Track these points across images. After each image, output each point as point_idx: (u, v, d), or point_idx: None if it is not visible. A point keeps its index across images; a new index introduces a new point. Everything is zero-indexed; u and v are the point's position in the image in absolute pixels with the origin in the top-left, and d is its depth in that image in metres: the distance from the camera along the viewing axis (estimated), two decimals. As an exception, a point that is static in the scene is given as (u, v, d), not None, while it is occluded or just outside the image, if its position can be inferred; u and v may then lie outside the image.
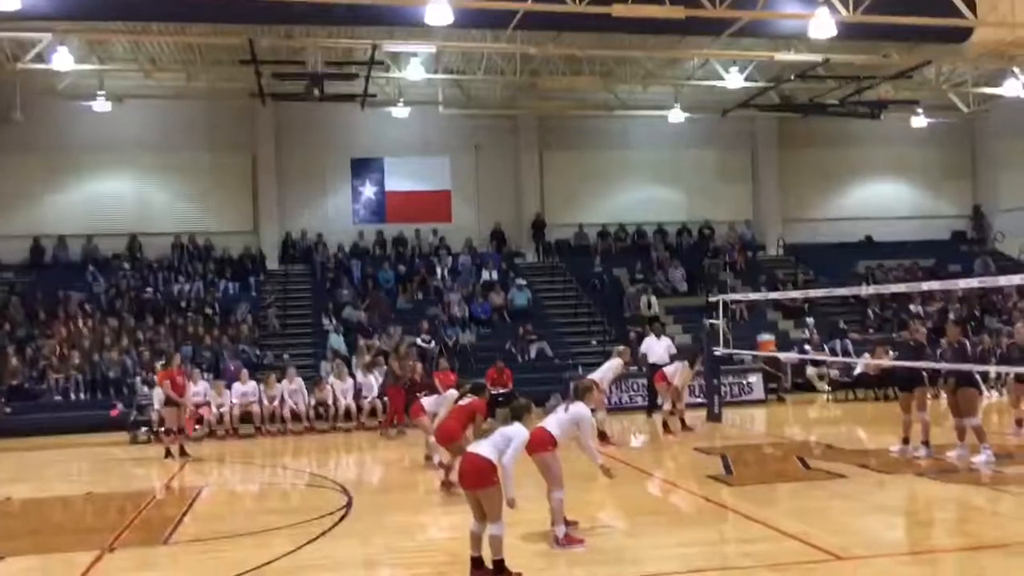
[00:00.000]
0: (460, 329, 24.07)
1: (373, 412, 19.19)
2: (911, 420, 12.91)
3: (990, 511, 9.82)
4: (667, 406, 16.72)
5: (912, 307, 26.02)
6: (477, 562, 7.53)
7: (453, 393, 13.55)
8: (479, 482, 7.41)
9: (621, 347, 16.92)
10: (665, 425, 16.55)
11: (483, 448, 7.56)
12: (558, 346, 23.84)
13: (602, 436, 14.61)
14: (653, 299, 25.93)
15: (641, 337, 23.70)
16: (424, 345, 22.72)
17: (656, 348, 19.10)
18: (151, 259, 26.69)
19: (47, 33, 20.91)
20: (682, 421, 16.62)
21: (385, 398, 19.01)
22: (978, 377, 13.96)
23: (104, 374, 21.11)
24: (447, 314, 24.57)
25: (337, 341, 22.55)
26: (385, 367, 20.04)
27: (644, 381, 20.16)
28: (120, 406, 19.69)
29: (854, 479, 11.48)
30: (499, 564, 7.43)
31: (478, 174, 29.41)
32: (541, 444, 8.42)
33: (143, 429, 18.31)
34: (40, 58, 22.27)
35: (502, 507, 7.39)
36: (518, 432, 7.70)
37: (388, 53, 22.98)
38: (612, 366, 15.85)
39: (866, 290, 22.94)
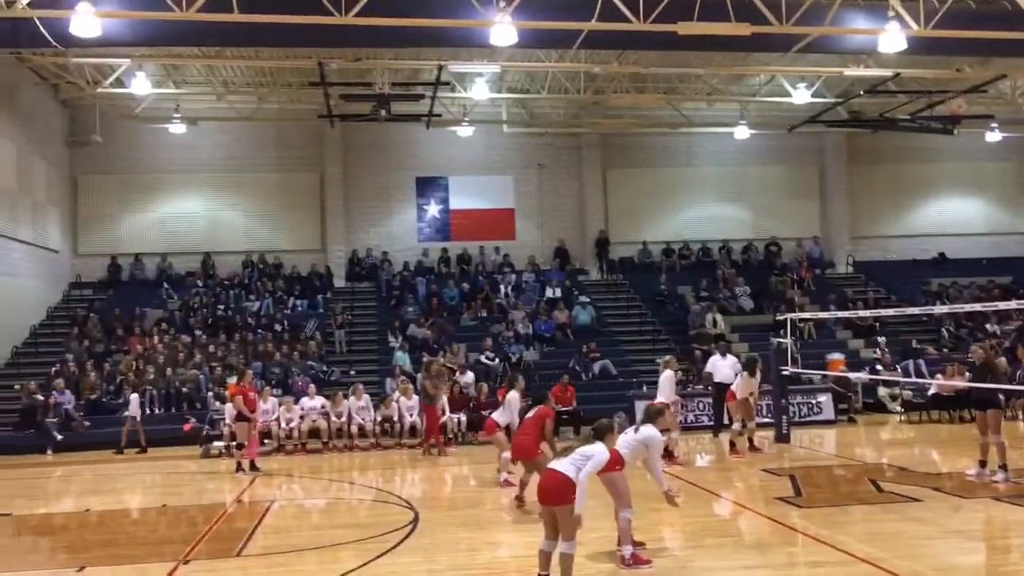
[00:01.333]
0: (524, 346, 24.12)
1: (441, 428, 19.29)
2: (988, 442, 12.57)
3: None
4: (736, 425, 16.48)
5: (988, 326, 25.31)
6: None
7: (515, 395, 13.69)
8: (558, 499, 7.45)
9: (667, 357, 17.00)
10: (732, 445, 16.34)
11: (563, 465, 7.60)
12: (621, 364, 23.72)
13: (669, 455, 14.50)
14: (718, 317, 25.67)
15: (706, 356, 23.50)
16: (488, 362, 22.83)
17: (722, 367, 18.85)
18: (223, 277, 27.35)
19: (126, 59, 21.67)
20: (750, 441, 16.38)
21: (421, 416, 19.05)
22: None
23: (178, 389, 21.63)
24: (511, 331, 24.64)
25: (402, 358, 22.77)
26: (446, 384, 20.19)
27: (709, 400, 19.95)
28: (193, 420, 20.15)
29: (928, 503, 11.20)
30: None
31: (541, 192, 29.53)
32: (609, 464, 8.42)
33: (215, 444, 18.71)
34: (119, 82, 23.13)
35: (577, 526, 7.42)
36: (599, 451, 7.75)
37: (453, 73, 23.27)
38: (667, 378, 15.72)
39: (939, 309, 22.39)
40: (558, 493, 7.47)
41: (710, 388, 19.46)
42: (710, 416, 20.22)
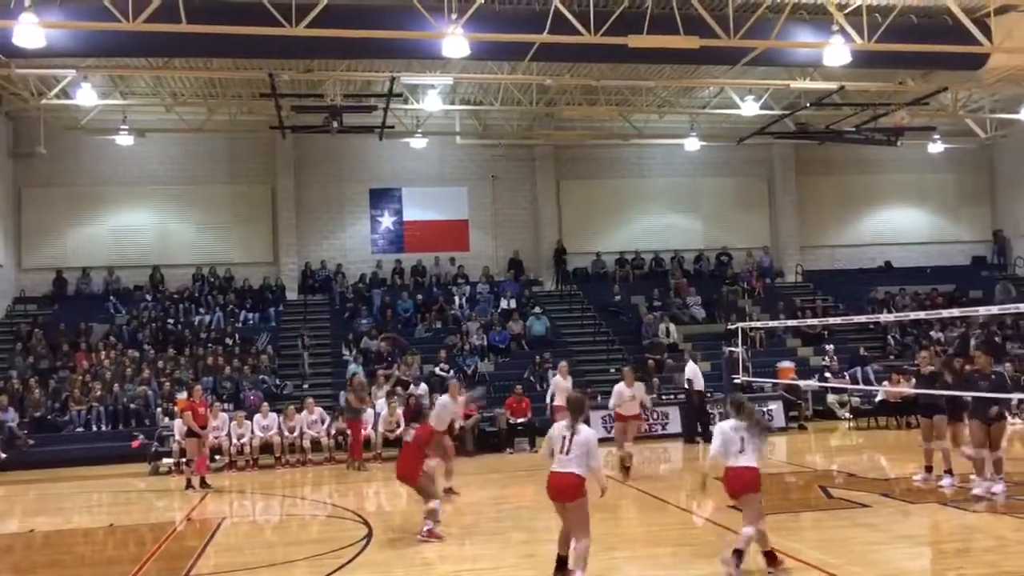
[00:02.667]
0: (479, 358, 24.10)
1: (396, 442, 19.20)
2: (932, 448, 12.84)
3: (1014, 540, 9.71)
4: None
5: (932, 333, 25.86)
6: (562, 562, 8.15)
7: (444, 399, 13.79)
8: (570, 496, 7.97)
9: (626, 368, 16.97)
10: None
11: (568, 466, 7.95)
12: (576, 374, 23.66)
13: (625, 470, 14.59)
14: (671, 327, 25.90)
15: (660, 365, 23.74)
16: (443, 374, 22.76)
17: (700, 374, 19.11)
18: (172, 291, 26.93)
19: (71, 70, 21.29)
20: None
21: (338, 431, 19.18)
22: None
23: (126, 405, 21.24)
24: (465, 343, 24.61)
25: (356, 371, 22.58)
26: (399, 397, 20.13)
27: (667, 410, 20.18)
28: (142, 437, 19.81)
29: (877, 508, 11.39)
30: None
31: (495, 203, 29.58)
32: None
33: (164, 460, 18.40)
34: (64, 94, 22.71)
35: (589, 521, 7.99)
36: (589, 433, 8.14)
37: (406, 85, 23.24)
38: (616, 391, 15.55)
39: (886, 317, 22.85)
40: (569, 491, 7.95)
41: (687, 396, 19.77)
42: (664, 425, 20.41)
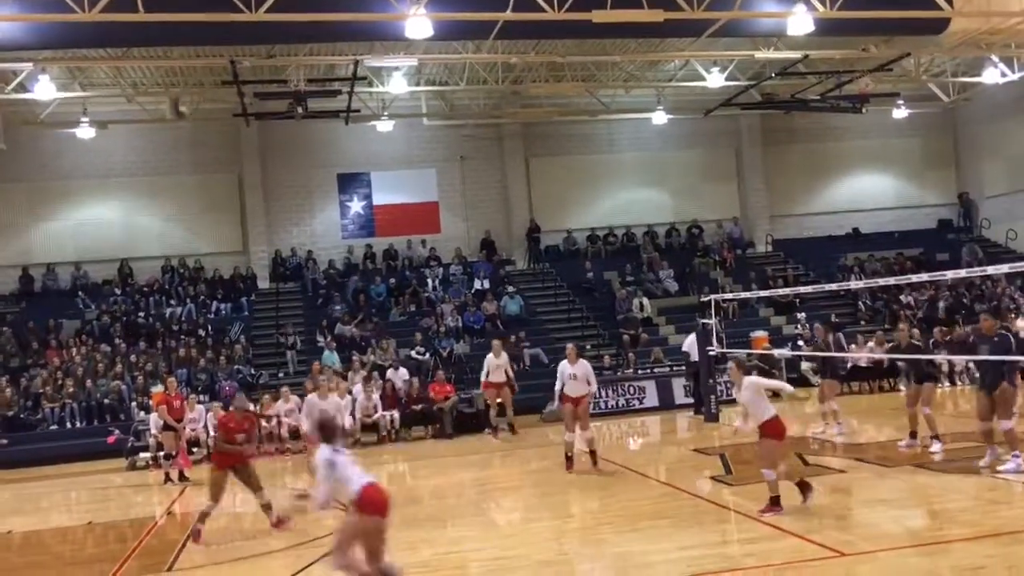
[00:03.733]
0: (454, 340, 24.08)
1: (374, 427, 19.21)
2: (916, 413, 12.94)
3: (989, 499, 9.88)
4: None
5: (902, 298, 26.16)
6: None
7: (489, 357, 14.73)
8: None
9: (569, 345, 14.83)
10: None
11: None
12: (552, 352, 23.82)
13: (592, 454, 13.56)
14: (645, 301, 26.01)
15: (636, 339, 23.84)
16: (419, 357, 22.75)
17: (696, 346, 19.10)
18: (142, 283, 26.63)
19: (27, 63, 20.86)
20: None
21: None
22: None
23: (99, 401, 21.04)
24: (440, 325, 24.58)
25: (331, 358, 22.51)
26: (381, 382, 20.11)
27: (640, 384, 20.23)
28: (117, 432, 19.60)
29: (853, 473, 11.54)
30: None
31: (464, 184, 29.45)
32: None
33: (141, 455, 18.26)
34: (21, 87, 22.24)
35: None
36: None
37: (370, 68, 23.00)
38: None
39: (855, 284, 23.06)
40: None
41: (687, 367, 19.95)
42: (640, 400, 20.50)
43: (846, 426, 15.33)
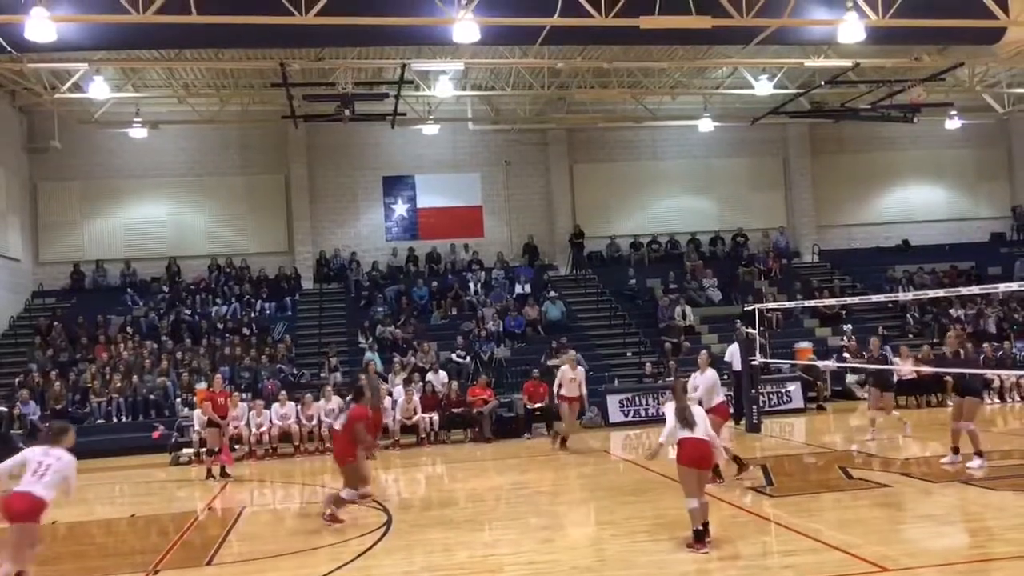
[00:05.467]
0: (495, 343, 24.10)
1: (413, 428, 19.26)
2: (959, 429, 12.66)
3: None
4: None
5: (952, 311, 25.66)
6: (699, 533, 8.61)
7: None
8: (708, 464, 8.92)
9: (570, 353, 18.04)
10: None
11: (700, 432, 8.70)
12: (592, 358, 23.75)
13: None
14: (688, 309, 25.82)
15: (678, 347, 23.65)
16: (459, 360, 22.80)
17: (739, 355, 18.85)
18: (188, 282, 27.06)
19: (83, 63, 21.34)
20: None
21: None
22: None
23: (145, 397, 21.37)
24: (481, 329, 24.61)
25: (373, 358, 22.64)
26: (421, 384, 20.17)
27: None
28: (162, 428, 19.91)
29: (898, 488, 11.33)
30: (707, 525, 8.69)
31: (508, 188, 29.52)
32: None
33: (184, 451, 18.50)
34: (77, 87, 22.76)
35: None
36: (699, 410, 9.09)
37: (417, 72, 23.18)
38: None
39: (904, 296, 22.67)
40: (710, 457, 8.90)
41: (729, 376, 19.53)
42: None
43: (893, 438, 15.08)
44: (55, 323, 24.55)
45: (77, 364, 22.89)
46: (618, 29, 17.06)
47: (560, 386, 17.51)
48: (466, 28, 16.54)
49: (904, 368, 19.35)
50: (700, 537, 8.59)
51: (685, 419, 8.72)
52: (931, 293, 19.54)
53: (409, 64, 21.95)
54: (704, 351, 15.28)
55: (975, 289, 19.08)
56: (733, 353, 19.31)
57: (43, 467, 7.85)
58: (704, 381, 13.02)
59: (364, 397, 11.93)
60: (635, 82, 25.67)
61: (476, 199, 29.39)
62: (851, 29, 17.51)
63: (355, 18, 16.50)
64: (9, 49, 17.98)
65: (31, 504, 7.69)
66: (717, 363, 21.54)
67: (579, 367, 17.72)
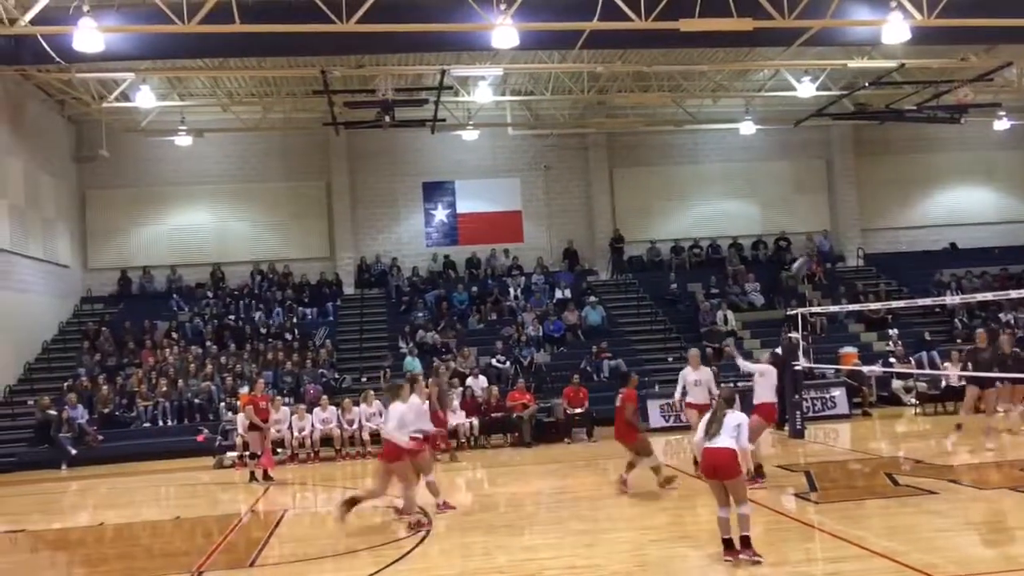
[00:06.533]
0: (534, 348, 24.07)
1: (454, 434, 19.28)
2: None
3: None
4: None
5: (1002, 316, 25.14)
6: (728, 543, 8.35)
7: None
8: (730, 472, 8.33)
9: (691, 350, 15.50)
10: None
11: (723, 441, 8.37)
12: (633, 363, 23.58)
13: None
14: (729, 314, 25.58)
15: (720, 352, 23.39)
16: (499, 365, 22.81)
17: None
18: (232, 287, 27.40)
19: (130, 73, 21.75)
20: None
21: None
22: None
23: (190, 401, 21.66)
24: (521, 334, 24.59)
25: (413, 364, 22.74)
26: (461, 389, 20.21)
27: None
28: (206, 432, 20.17)
29: (945, 495, 11.11)
30: (746, 539, 8.28)
31: (548, 193, 29.51)
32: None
33: (228, 454, 18.72)
34: (124, 96, 23.21)
35: (747, 490, 8.50)
36: (743, 417, 8.62)
37: (456, 77, 23.29)
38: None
39: (951, 299, 22.26)
40: (729, 467, 8.32)
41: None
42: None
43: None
44: (103, 328, 24.99)
45: (124, 368, 23.28)
46: (658, 32, 17.01)
47: (684, 392, 14.39)
48: (505, 33, 16.59)
49: (954, 373, 18.99)
50: (730, 546, 8.35)
51: (708, 430, 8.53)
52: (979, 296, 19.17)
53: (449, 70, 22.06)
54: (694, 349, 15.53)
55: (1024, 292, 18.61)
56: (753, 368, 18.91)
57: None
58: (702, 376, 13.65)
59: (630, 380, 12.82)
60: (675, 85, 25.54)
61: (516, 204, 29.41)
62: (895, 29, 17.27)
63: (395, 25, 16.65)
64: (58, 59, 18.39)
65: None
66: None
67: (704, 368, 14.54)
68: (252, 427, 16.37)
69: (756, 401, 12.67)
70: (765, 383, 12.97)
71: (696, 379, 14.13)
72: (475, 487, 15.17)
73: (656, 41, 19.25)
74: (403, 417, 11.23)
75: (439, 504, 11.75)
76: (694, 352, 14.72)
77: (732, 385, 15.13)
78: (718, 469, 8.38)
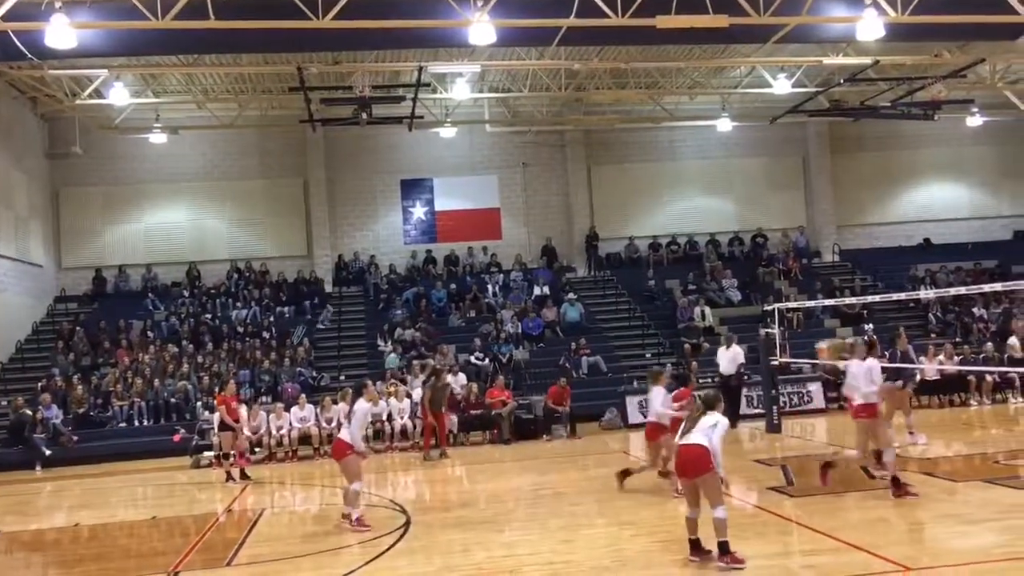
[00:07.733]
0: (513, 345, 24.08)
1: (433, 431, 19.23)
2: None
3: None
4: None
5: (975, 310, 25.40)
6: (695, 544, 8.23)
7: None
8: (700, 470, 8.04)
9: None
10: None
11: (694, 438, 8.15)
12: (611, 360, 23.72)
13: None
14: (707, 310, 25.69)
15: (697, 348, 23.51)
16: (478, 363, 22.79)
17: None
18: (209, 286, 27.21)
19: (103, 70, 21.54)
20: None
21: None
22: None
23: (166, 400, 21.50)
24: (500, 331, 24.59)
25: (394, 361, 22.71)
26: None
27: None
28: (182, 431, 20.03)
29: (920, 487, 11.19)
30: (723, 545, 7.97)
31: (526, 191, 29.52)
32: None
33: (205, 454, 18.60)
34: (97, 93, 22.98)
35: (721, 491, 8.09)
36: (721, 418, 8.30)
37: (433, 74, 23.22)
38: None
39: (925, 293, 22.47)
40: (698, 464, 8.05)
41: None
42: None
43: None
44: (77, 328, 24.75)
45: (99, 368, 23.07)
46: (635, 29, 17.04)
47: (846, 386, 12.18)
48: (482, 30, 16.56)
49: (930, 366, 19.22)
50: (696, 546, 8.24)
51: (684, 429, 8.41)
52: (953, 291, 19.36)
53: (426, 67, 22.00)
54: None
55: (997, 286, 18.86)
56: (726, 358, 19.13)
57: None
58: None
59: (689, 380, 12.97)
60: (652, 82, 25.61)
61: (494, 201, 29.40)
62: (870, 26, 17.38)
63: (372, 21, 16.56)
64: (29, 56, 18.19)
65: None
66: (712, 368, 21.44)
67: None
68: (222, 427, 16.28)
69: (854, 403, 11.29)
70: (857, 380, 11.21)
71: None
72: (454, 484, 15.14)
73: (633, 38, 19.29)
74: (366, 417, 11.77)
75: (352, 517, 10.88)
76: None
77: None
78: (687, 465, 8.23)
